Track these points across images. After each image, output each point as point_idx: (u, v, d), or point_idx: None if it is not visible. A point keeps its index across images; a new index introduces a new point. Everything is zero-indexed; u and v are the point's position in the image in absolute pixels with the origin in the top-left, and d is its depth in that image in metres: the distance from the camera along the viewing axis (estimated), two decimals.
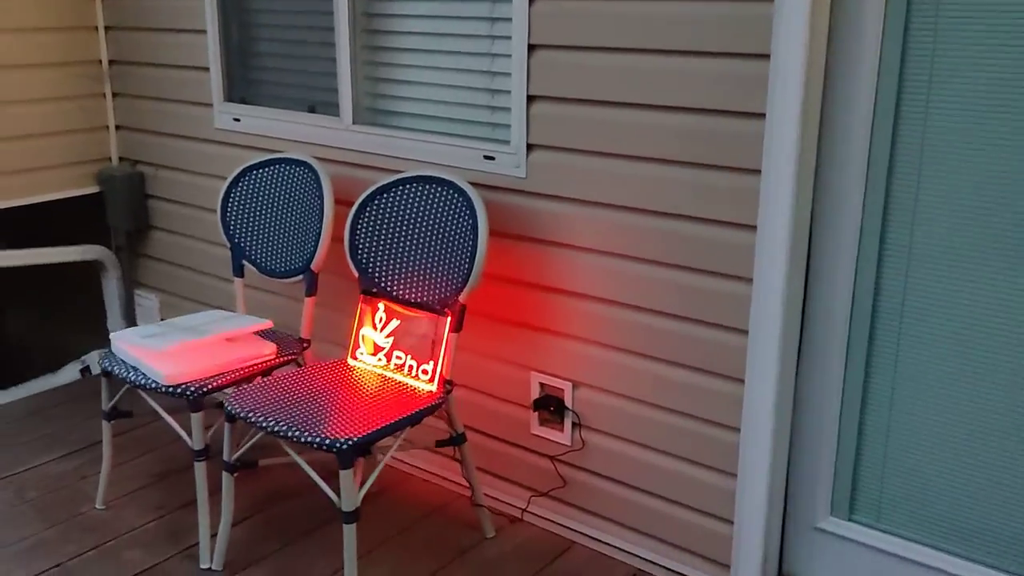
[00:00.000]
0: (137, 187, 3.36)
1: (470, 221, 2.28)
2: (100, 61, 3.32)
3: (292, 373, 2.37)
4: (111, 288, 3.57)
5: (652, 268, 2.21)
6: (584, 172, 2.26)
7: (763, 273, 2.02)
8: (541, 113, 2.30)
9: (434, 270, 2.36)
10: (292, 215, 2.65)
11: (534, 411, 2.48)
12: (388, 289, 2.43)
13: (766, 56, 1.92)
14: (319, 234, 2.55)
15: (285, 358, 2.51)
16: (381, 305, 2.44)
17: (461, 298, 2.29)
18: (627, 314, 2.27)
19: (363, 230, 2.46)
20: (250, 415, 2.17)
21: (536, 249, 2.39)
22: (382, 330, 2.43)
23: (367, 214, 2.45)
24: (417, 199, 2.40)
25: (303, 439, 2.07)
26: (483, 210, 2.27)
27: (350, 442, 2.05)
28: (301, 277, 2.60)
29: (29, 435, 3.09)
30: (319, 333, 2.87)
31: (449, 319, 2.31)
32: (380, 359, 2.43)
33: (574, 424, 2.44)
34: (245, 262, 2.72)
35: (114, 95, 3.36)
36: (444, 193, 2.35)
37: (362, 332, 2.46)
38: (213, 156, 3.11)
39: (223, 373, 2.38)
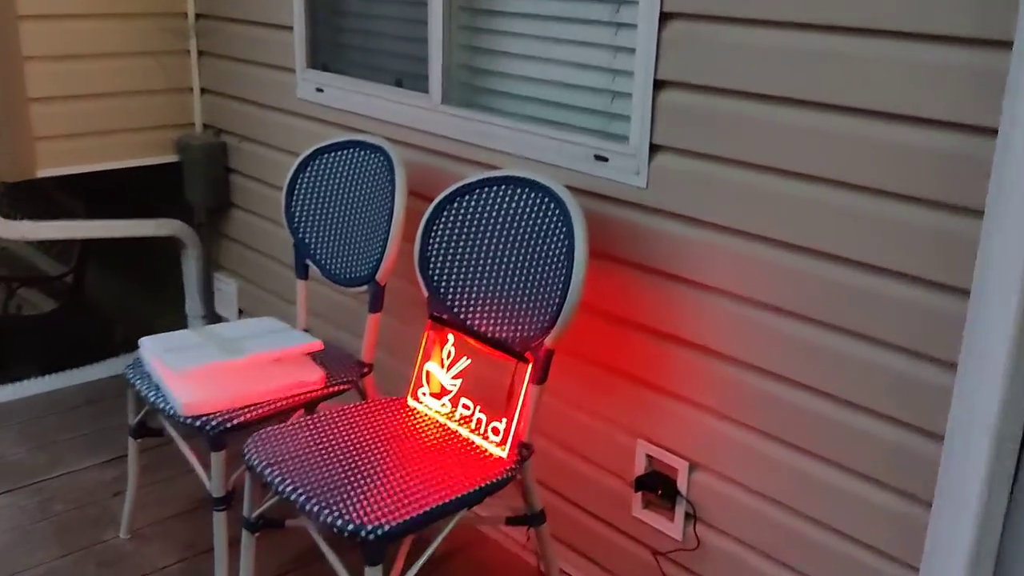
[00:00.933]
0: (218, 158, 2.97)
1: (565, 241, 1.72)
2: (185, 14, 2.93)
3: (336, 414, 1.89)
4: (190, 268, 3.21)
5: (810, 329, 1.59)
6: (726, 188, 1.66)
7: (974, 357, 1.38)
8: (672, 104, 1.71)
9: (518, 300, 1.82)
10: (361, 211, 2.16)
11: (636, 491, 1.92)
12: (461, 317, 1.91)
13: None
14: (387, 238, 2.05)
15: (336, 387, 2.04)
16: (451, 337, 1.93)
17: (548, 341, 1.74)
18: (769, 384, 1.67)
19: (437, 238, 1.95)
20: (267, 470, 1.70)
21: (653, 282, 1.81)
22: (449, 369, 1.92)
23: (444, 219, 1.94)
24: (504, 206, 1.86)
25: (323, 517, 1.59)
26: (582, 227, 1.71)
27: (380, 531, 1.55)
28: (365, 288, 2.12)
29: (73, 431, 2.76)
30: (393, 346, 2.39)
31: (531, 367, 1.77)
32: (444, 404, 1.92)
33: (688, 515, 1.86)
34: (309, 262, 2.26)
35: (199, 53, 2.97)
36: (537, 201, 1.81)
37: (427, 367, 1.96)
38: (294, 130, 2.66)
39: (255, 405, 1.93)
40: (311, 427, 1.84)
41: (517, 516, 1.88)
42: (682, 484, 1.86)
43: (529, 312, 1.79)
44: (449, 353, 1.92)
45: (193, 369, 1.93)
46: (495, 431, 1.81)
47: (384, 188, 2.11)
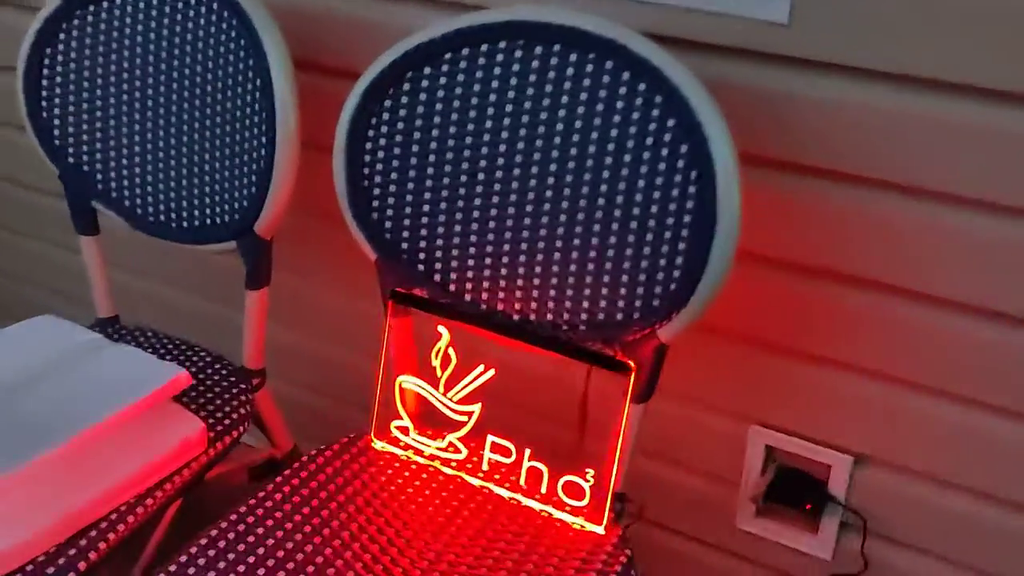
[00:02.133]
0: None
1: (681, 148, 0.90)
2: None
3: (267, 510, 1.01)
4: None
5: None
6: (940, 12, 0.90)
7: None
8: None
9: (594, 260, 0.99)
10: (202, 102, 1.18)
11: (765, 499, 1.23)
12: (464, 292, 1.06)
13: None
14: (265, 154, 1.11)
15: (228, 438, 1.14)
16: (443, 332, 1.07)
17: (665, 333, 0.96)
18: (999, 332, 1.01)
19: (385, 148, 1.05)
20: None
21: (795, 186, 1.05)
22: (449, 387, 1.08)
23: (396, 110, 1.03)
24: (520, 80, 0.98)
25: None
26: (719, 125, 0.89)
27: None
28: (231, 245, 1.19)
29: None
30: (313, 336, 1.49)
31: (633, 377, 0.99)
32: (453, 447, 1.10)
33: (843, 524, 1.21)
34: (99, 205, 1.27)
35: None
36: (598, 74, 0.95)
37: (402, 383, 1.11)
38: None
39: (100, 526, 1.01)
40: (235, 560, 0.96)
41: None
42: (838, 486, 1.19)
43: (621, 281, 0.97)
44: (446, 359, 1.07)
45: None
46: (573, 489, 1.03)
47: (238, 63, 1.13)
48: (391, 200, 1.06)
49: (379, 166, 1.05)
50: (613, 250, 0.96)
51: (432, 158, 1.03)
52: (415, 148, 1.04)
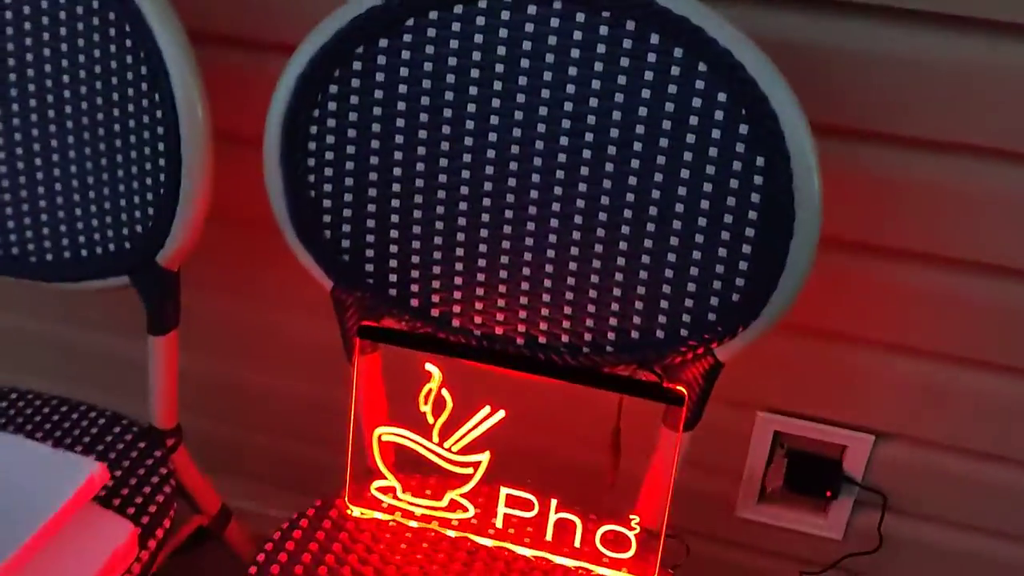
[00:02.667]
0: None
1: (749, 129, 0.73)
2: None
3: None
4: None
5: None
6: None
7: None
8: None
9: (617, 263, 0.80)
10: (71, 107, 0.88)
11: (790, 488, 1.11)
12: (447, 313, 0.85)
13: None
14: (166, 161, 0.84)
15: (159, 531, 0.90)
16: (435, 372, 0.86)
17: (724, 352, 0.79)
18: None
19: (335, 141, 0.81)
20: None
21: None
22: (448, 434, 0.87)
23: (346, 95, 0.79)
24: (523, 52, 0.77)
25: None
26: (786, 94, 0.72)
27: None
28: (124, 281, 0.91)
29: None
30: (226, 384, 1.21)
31: (686, 405, 0.82)
32: (449, 506, 0.90)
33: (858, 504, 1.12)
34: None
35: None
36: (615, 38, 0.74)
37: (381, 435, 0.89)
38: None
39: None
40: None
41: None
42: (854, 465, 1.09)
43: (663, 292, 0.79)
44: (439, 403, 0.86)
45: None
46: (614, 540, 0.86)
47: (114, 36, 0.84)
48: (348, 212, 0.83)
49: (328, 170, 0.82)
50: (649, 256, 0.78)
51: (400, 154, 0.81)
52: (376, 142, 0.80)
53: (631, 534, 0.85)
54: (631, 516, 0.85)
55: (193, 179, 0.83)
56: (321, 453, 1.25)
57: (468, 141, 0.79)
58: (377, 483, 0.91)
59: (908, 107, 0.85)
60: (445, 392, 0.86)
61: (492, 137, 0.79)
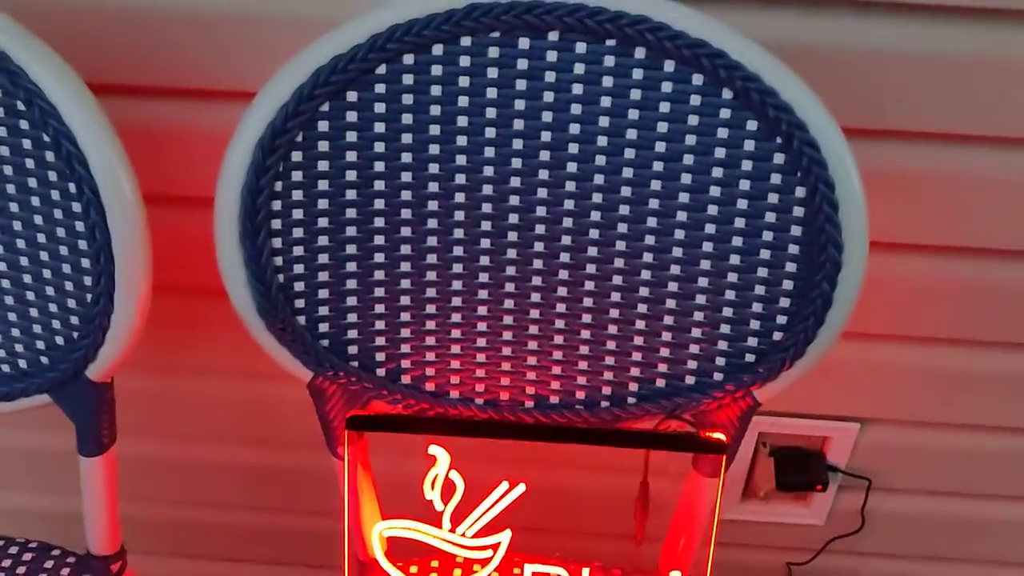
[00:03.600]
0: None
1: (787, 159, 0.65)
2: None
3: None
4: None
5: None
6: None
7: None
8: None
9: (637, 310, 0.72)
10: None
11: (780, 487, 1.08)
12: (444, 385, 0.75)
13: None
14: (91, 249, 0.69)
15: None
16: (441, 456, 0.75)
17: (766, 393, 0.73)
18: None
19: (304, 213, 0.68)
20: None
21: None
22: (462, 516, 0.78)
23: (311, 154, 0.67)
24: (516, 91, 0.66)
25: None
26: (822, 115, 0.65)
27: None
28: (44, 400, 0.76)
29: None
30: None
31: (724, 457, 0.75)
32: None
33: (841, 489, 1.10)
34: None
35: None
36: (623, 69, 0.65)
37: (381, 532, 0.78)
38: None
39: None
40: None
41: None
42: (840, 454, 1.07)
43: (691, 336, 0.72)
44: (448, 487, 0.76)
45: None
46: None
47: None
48: (325, 292, 0.71)
49: (298, 248, 0.69)
50: (675, 300, 0.71)
51: (381, 220, 0.69)
52: (352, 210, 0.69)
53: None
54: (672, 572, 0.79)
55: (128, 269, 0.68)
56: (298, 522, 1.14)
57: (459, 197, 0.69)
58: None
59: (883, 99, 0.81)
60: (454, 474, 0.76)
61: (487, 190, 0.68)
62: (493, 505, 0.76)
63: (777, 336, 0.70)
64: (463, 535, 0.78)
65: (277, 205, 0.67)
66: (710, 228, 0.68)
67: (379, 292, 0.71)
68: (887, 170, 0.85)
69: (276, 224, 0.68)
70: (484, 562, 0.79)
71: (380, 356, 0.74)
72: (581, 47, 0.65)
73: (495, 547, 0.78)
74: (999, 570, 1.18)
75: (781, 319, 0.70)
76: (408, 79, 0.65)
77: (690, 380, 0.74)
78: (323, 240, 0.69)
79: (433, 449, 0.75)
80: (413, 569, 0.83)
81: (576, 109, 0.66)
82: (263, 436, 1.09)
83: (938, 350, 0.99)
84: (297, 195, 0.67)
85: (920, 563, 1.18)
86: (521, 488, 0.76)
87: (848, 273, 0.67)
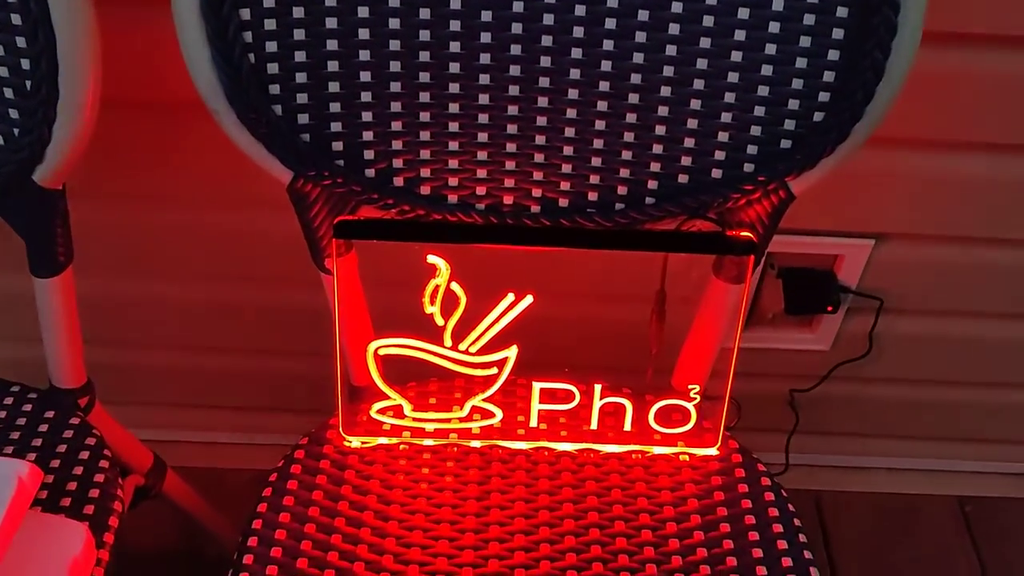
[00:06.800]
0: None
1: None
2: None
3: None
4: None
5: None
6: None
7: None
8: None
9: (661, 92, 0.64)
10: None
11: (789, 311, 1.02)
12: (441, 187, 0.67)
13: None
14: (30, 42, 0.59)
15: (116, 504, 0.70)
16: (441, 265, 0.68)
17: (802, 183, 0.66)
18: None
19: None
20: None
21: None
22: (461, 333, 0.71)
23: None
24: None
25: None
26: None
27: None
28: None
29: None
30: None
31: (753, 259, 0.69)
32: (471, 414, 0.75)
33: (850, 312, 1.05)
34: None
35: None
36: None
37: (375, 349, 0.71)
38: None
39: None
40: None
41: None
42: (851, 274, 1.01)
43: (721, 122, 0.64)
44: (450, 300, 0.69)
45: None
46: (671, 416, 0.74)
47: None
48: (303, 76, 0.61)
49: (270, 21, 0.59)
50: (704, 80, 0.62)
51: None
52: None
53: (690, 405, 0.74)
54: (690, 386, 0.73)
55: (74, 56, 0.59)
56: (284, 365, 1.07)
57: None
58: (378, 404, 0.74)
59: None
60: (455, 286, 0.69)
61: None
62: (499, 319, 0.70)
63: (818, 117, 0.62)
64: (466, 352, 0.71)
65: None
66: None
67: (365, 76, 0.62)
68: None
69: None
70: (490, 380, 0.72)
71: (369, 154, 0.65)
72: None
73: (501, 363, 0.72)
74: (1005, 393, 1.15)
75: (823, 96, 0.62)
76: None
77: (717, 173, 0.66)
78: (298, 12, 0.59)
79: (432, 258, 0.68)
80: (411, 392, 0.76)
81: None
82: (242, 272, 1.01)
83: (959, 157, 0.92)
84: None
85: (925, 387, 1.15)
86: (529, 299, 0.69)
87: (904, 39, 0.58)
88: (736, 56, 0.61)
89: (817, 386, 1.11)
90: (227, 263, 1.00)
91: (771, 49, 0.61)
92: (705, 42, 0.61)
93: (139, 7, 0.73)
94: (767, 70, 0.61)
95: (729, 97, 0.63)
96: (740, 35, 0.61)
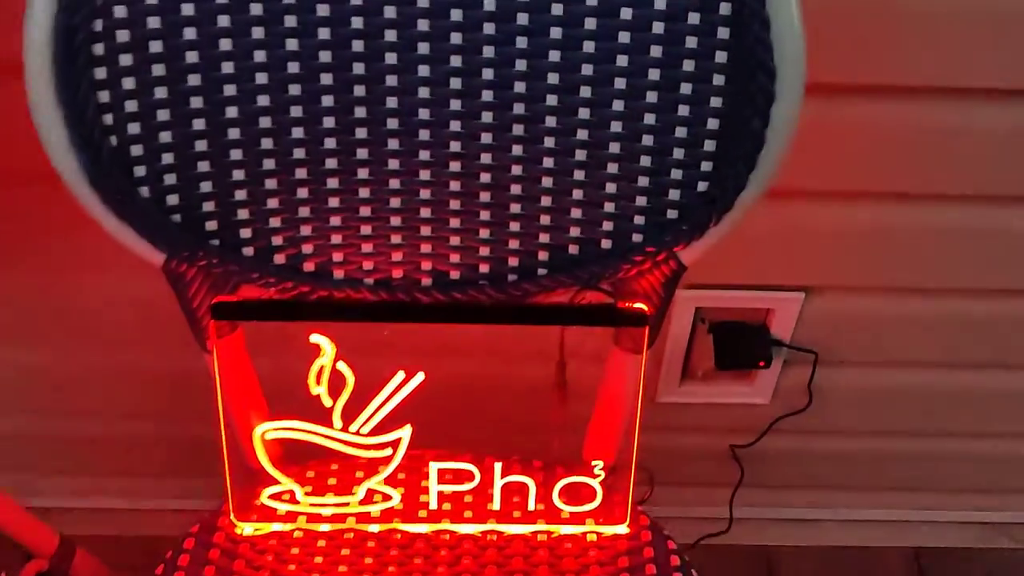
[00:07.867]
0: None
1: None
2: None
3: None
4: None
5: None
6: None
7: None
8: None
9: (543, 164, 0.62)
10: None
11: (719, 366, 1.00)
12: (326, 265, 0.65)
13: None
14: None
15: None
16: (325, 345, 0.66)
17: (691, 254, 0.64)
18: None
19: (134, 30, 0.56)
20: None
21: None
22: (351, 415, 0.68)
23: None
24: None
25: None
26: None
27: None
28: None
29: None
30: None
31: (647, 330, 0.66)
32: (367, 497, 0.72)
33: (786, 364, 1.03)
34: None
35: None
36: None
37: (263, 433, 0.69)
38: None
39: None
40: None
41: None
42: (784, 327, 0.99)
43: (605, 192, 0.62)
44: (337, 380, 0.67)
45: None
46: (577, 493, 0.72)
47: None
48: (169, 157, 0.59)
49: (130, 103, 0.57)
50: (585, 150, 0.61)
51: (230, 64, 0.58)
52: (193, 53, 0.57)
53: (595, 482, 0.71)
54: (594, 462, 0.71)
55: None
56: (179, 430, 1.05)
57: (324, 33, 0.57)
58: (268, 490, 0.71)
59: None
60: (342, 365, 0.66)
61: (356, 23, 0.57)
62: (389, 397, 0.67)
63: (702, 186, 0.61)
64: (357, 432, 0.69)
65: (99, 49, 0.55)
66: (622, 60, 0.58)
67: (236, 154, 0.60)
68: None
69: (100, 73, 0.56)
70: (385, 462, 0.70)
71: (245, 232, 0.63)
72: None
73: (395, 444, 0.69)
74: (949, 441, 1.13)
75: (706, 165, 0.60)
76: None
77: (606, 244, 0.64)
78: (161, 93, 0.57)
79: (315, 338, 0.65)
80: (310, 474, 0.74)
81: None
82: (131, 337, 0.98)
83: (886, 208, 0.90)
84: (123, 36, 0.55)
85: (869, 439, 1.12)
86: (420, 377, 0.67)
87: (783, 105, 0.57)
88: (616, 127, 0.60)
89: (759, 440, 1.09)
90: (114, 329, 0.97)
91: (650, 119, 0.59)
92: (584, 114, 0.59)
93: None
94: (648, 140, 0.60)
95: (612, 167, 0.61)
96: (618, 105, 0.59)
